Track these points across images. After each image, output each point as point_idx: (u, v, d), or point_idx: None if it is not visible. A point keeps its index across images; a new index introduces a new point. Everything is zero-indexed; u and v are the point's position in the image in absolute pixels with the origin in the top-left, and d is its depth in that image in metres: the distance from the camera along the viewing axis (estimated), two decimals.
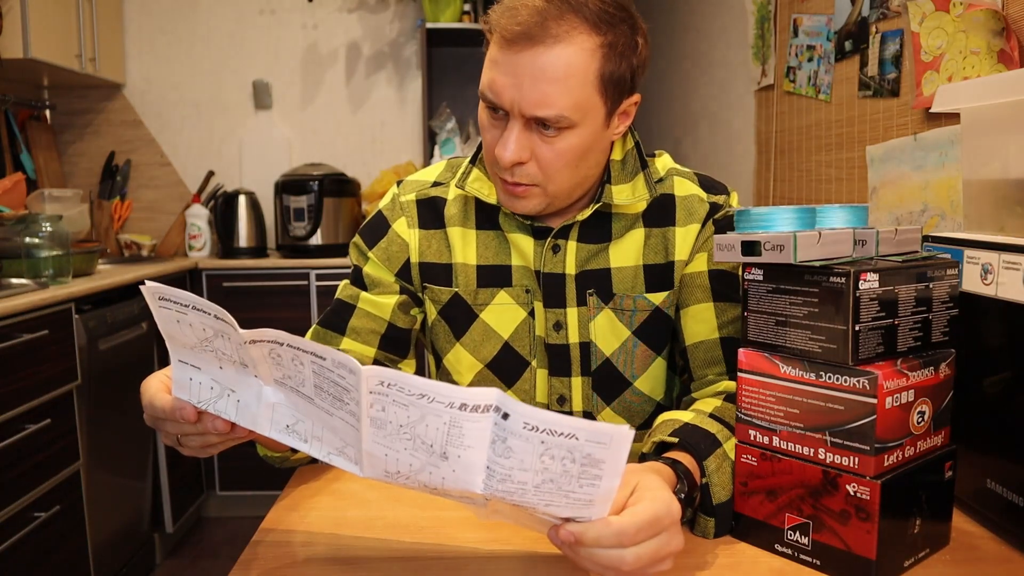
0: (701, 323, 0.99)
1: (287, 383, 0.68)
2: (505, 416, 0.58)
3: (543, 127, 0.88)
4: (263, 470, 1.34)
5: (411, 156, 3.54)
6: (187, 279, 2.95)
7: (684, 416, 0.85)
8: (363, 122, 3.53)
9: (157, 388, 0.76)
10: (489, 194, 1.00)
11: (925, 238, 0.90)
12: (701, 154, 2.98)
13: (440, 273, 1.04)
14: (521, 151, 0.89)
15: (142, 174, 3.44)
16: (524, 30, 0.85)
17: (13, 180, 2.60)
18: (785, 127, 2.20)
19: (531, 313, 1.02)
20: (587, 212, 0.98)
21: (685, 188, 1.02)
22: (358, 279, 1.06)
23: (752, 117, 2.46)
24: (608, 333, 1.01)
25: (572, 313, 1.01)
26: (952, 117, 1.40)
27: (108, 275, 2.44)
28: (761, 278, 0.75)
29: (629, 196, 0.99)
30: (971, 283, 0.82)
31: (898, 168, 1.58)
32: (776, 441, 0.75)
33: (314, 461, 0.98)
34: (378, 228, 1.06)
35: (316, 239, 3.10)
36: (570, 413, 1.04)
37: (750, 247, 0.74)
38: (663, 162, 1.05)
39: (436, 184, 1.07)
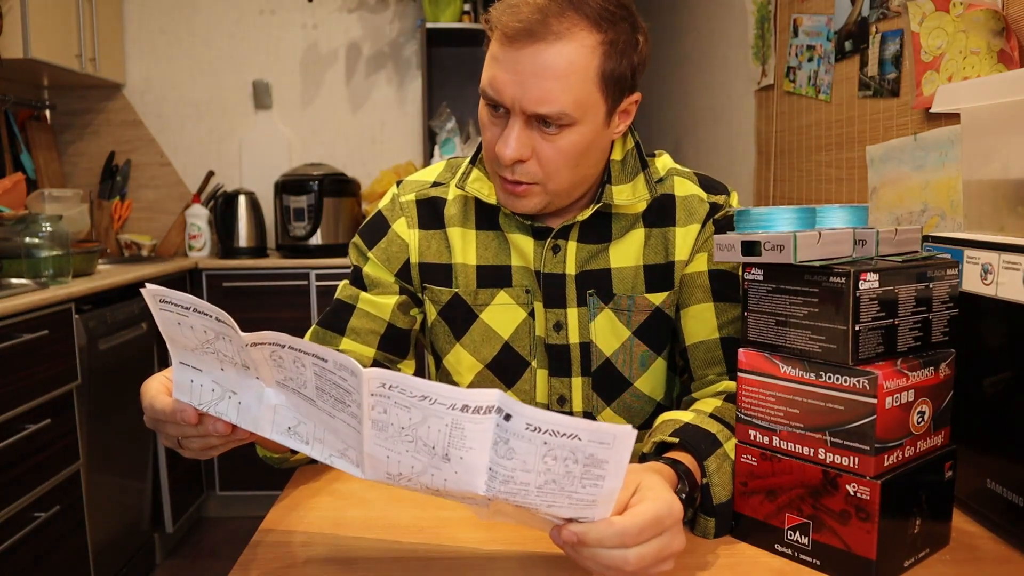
0: (701, 323, 0.99)
1: (289, 385, 0.67)
2: (507, 417, 0.58)
3: (544, 124, 0.88)
4: (263, 470, 1.34)
5: (411, 156, 3.54)
6: (187, 279, 2.95)
7: (684, 416, 0.85)
8: (363, 122, 3.53)
9: (157, 390, 0.76)
10: (489, 194, 1.00)
11: (925, 238, 0.89)
12: (701, 154, 2.98)
13: (440, 273, 1.04)
14: (522, 148, 0.89)
15: (142, 174, 3.44)
16: (526, 27, 0.85)
17: (13, 180, 2.60)
18: (785, 127, 2.20)
19: (531, 313, 1.02)
20: (587, 212, 0.97)
21: (685, 188, 1.02)
22: (358, 279, 1.06)
23: (752, 117, 2.46)
24: (608, 333, 1.01)
25: (572, 313, 1.01)
26: (952, 117, 1.40)
27: (108, 275, 2.44)
28: (761, 278, 0.75)
29: (629, 196, 0.99)
30: (971, 283, 0.82)
31: (898, 168, 1.58)
32: (776, 441, 0.75)
33: (313, 462, 0.98)
34: (378, 228, 1.06)
35: (316, 239, 3.10)
36: (570, 413, 1.04)
37: (750, 247, 0.74)
38: (663, 162, 1.05)
39: (436, 184, 1.07)
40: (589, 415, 1.04)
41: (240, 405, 0.71)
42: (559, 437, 0.58)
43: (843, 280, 0.68)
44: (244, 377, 0.70)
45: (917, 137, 1.51)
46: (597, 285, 1.01)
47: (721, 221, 1.01)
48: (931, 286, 0.73)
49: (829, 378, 0.70)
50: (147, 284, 0.70)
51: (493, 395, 0.57)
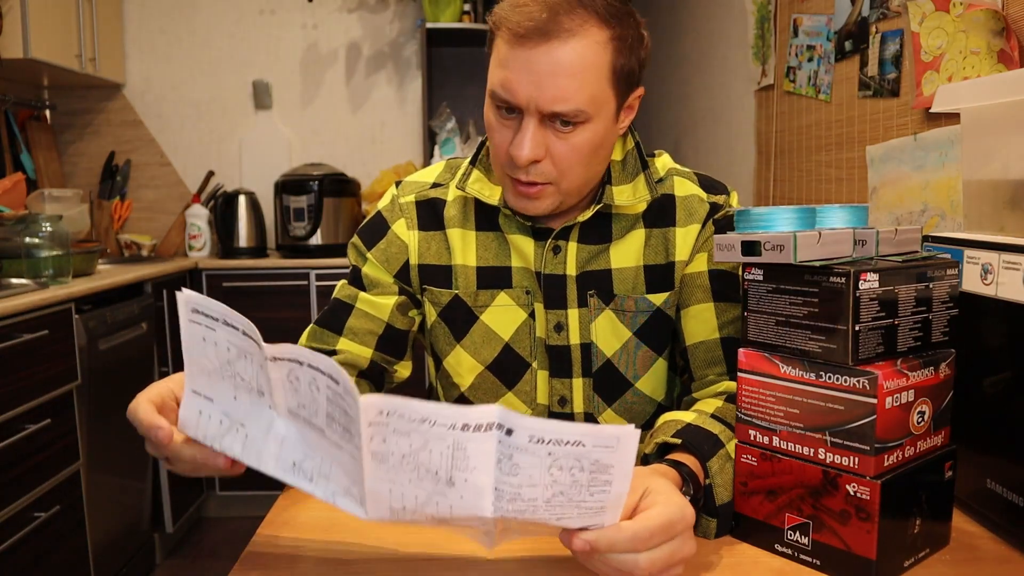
0: (701, 323, 0.99)
1: (300, 413, 0.66)
2: (509, 432, 0.57)
3: (559, 123, 0.88)
4: None
5: (411, 156, 3.54)
6: (187, 279, 2.95)
7: (686, 417, 0.85)
8: (363, 122, 3.53)
9: (146, 396, 0.74)
10: (489, 195, 1.00)
11: (925, 238, 0.89)
12: (701, 154, 2.98)
13: (440, 275, 1.04)
14: (537, 149, 0.89)
15: (142, 174, 3.44)
16: (537, 25, 0.84)
17: (13, 180, 2.60)
18: (785, 127, 2.20)
19: (531, 314, 1.02)
20: (588, 213, 0.97)
21: (685, 188, 1.02)
22: (356, 279, 1.06)
23: (752, 117, 2.46)
24: (609, 334, 1.01)
25: (573, 314, 1.01)
26: (952, 117, 1.40)
27: (108, 275, 2.44)
28: (761, 278, 0.75)
29: (630, 197, 0.99)
30: (971, 283, 0.82)
31: (898, 168, 1.58)
32: (776, 441, 0.75)
33: None
34: (377, 229, 1.06)
35: (316, 239, 3.10)
36: (571, 414, 1.04)
37: (750, 247, 0.74)
38: (663, 162, 1.05)
39: (435, 185, 1.07)
40: (590, 416, 1.04)
41: (247, 439, 0.69)
42: (563, 446, 0.57)
43: (843, 280, 0.68)
44: (256, 406, 0.68)
45: (917, 137, 1.51)
46: (598, 286, 1.01)
47: (721, 221, 1.00)
48: (931, 286, 0.73)
49: (829, 378, 0.70)
50: (183, 289, 0.69)
51: (493, 411, 0.56)
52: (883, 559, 0.69)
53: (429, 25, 3.14)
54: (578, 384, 1.03)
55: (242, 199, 3.18)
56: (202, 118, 3.45)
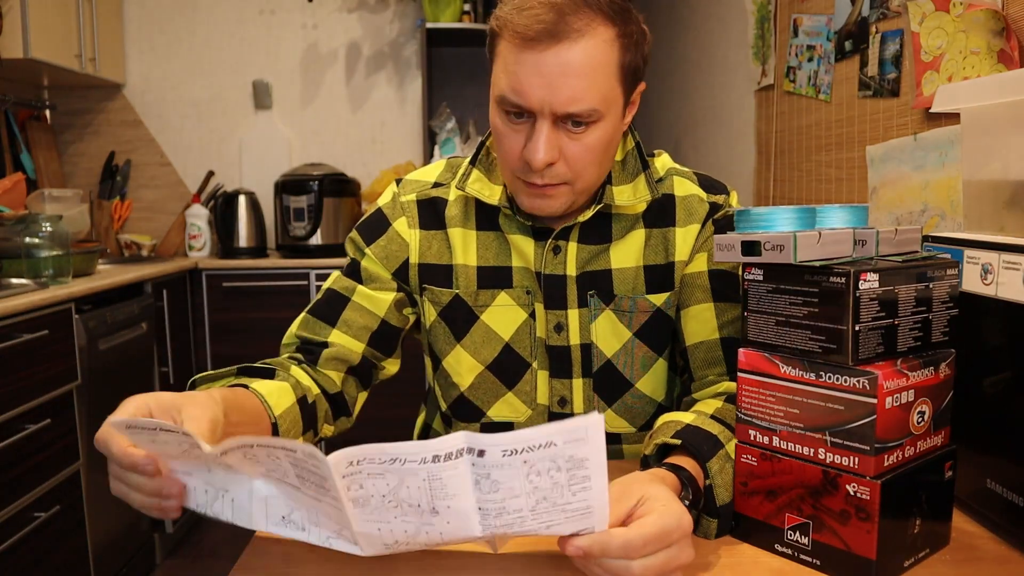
0: (701, 323, 0.98)
1: (272, 475, 0.67)
2: (480, 454, 0.58)
3: (570, 124, 0.88)
4: None
5: (411, 156, 3.54)
6: (187, 279, 2.95)
7: (685, 417, 0.85)
8: (363, 122, 3.53)
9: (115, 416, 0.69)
10: (489, 195, 1.00)
11: (925, 238, 0.89)
12: (701, 154, 2.98)
13: (440, 274, 1.04)
14: (552, 151, 0.88)
15: (142, 174, 3.44)
16: (545, 27, 0.84)
17: (13, 180, 2.60)
18: (785, 127, 2.20)
19: (532, 315, 1.02)
20: (589, 213, 0.97)
21: (685, 188, 1.02)
22: (354, 272, 1.05)
23: (752, 117, 2.46)
24: (609, 334, 1.01)
25: (573, 314, 1.01)
26: (952, 117, 1.40)
27: (108, 275, 2.44)
28: (761, 278, 0.75)
29: (630, 197, 0.99)
30: (971, 283, 0.82)
31: (898, 168, 1.58)
32: (776, 441, 0.75)
33: None
34: (377, 226, 1.06)
35: (316, 239, 3.10)
36: (571, 415, 1.04)
37: (750, 247, 0.74)
38: (662, 162, 1.05)
39: (437, 185, 1.07)
40: None
41: (234, 503, 0.70)
42: (536, 451, 0.58)
43: (843, 280, 0.68)
44: (231, 473, 0.69)
45: (917, 137, 1.51)
46: (598, 286, 1.01)
47: (721, 221, 1.00)
48: (931, 286, 0.73)
49: (829, 378, 0.70)
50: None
51: (459, 438, 0.57)
52: (883, 559, 0.69)
53: (429, 25, 3.14)
54: (578, 384, 1.03)
55: (242, 199, 3.18)
56: (202, 118, 3.45)
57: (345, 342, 1.02)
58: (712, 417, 0.85)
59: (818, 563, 0.72)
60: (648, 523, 0.63)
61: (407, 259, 1.05)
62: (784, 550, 0.75)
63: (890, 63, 1.62)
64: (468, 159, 1.05)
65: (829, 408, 0.70)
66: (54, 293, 2.01)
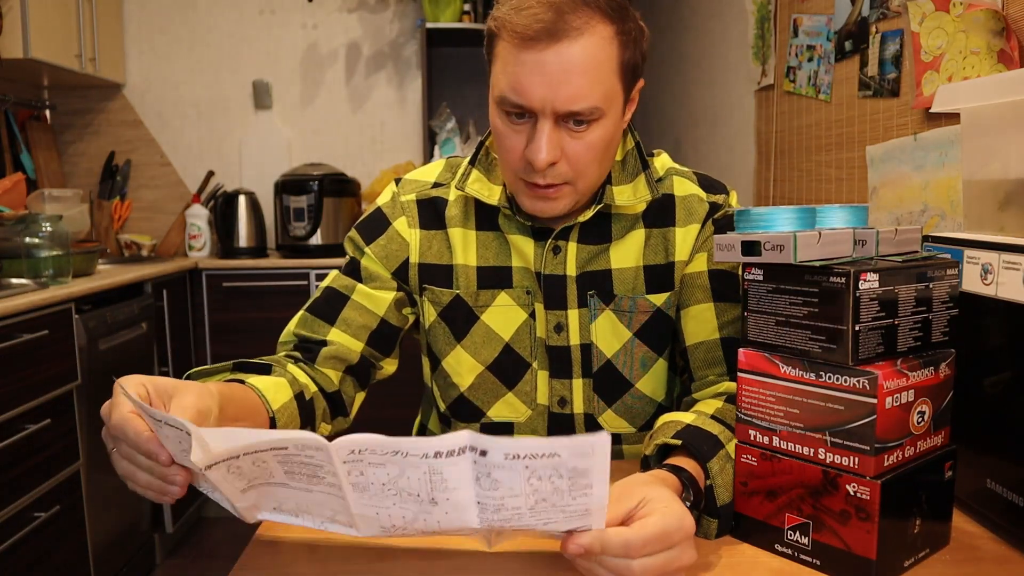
0: (701, 323, 0.98)
1: (256, 484, 0.67)
2: (483, 453, 0.58)
3: (572, 123, 0.88)
4: None
5: (411, 156, 3.54)
6: (187, 279, 2.95)
7: (686, 418, 0.85)
8: (363, 122, 3.53)
9: (124, 398, 0.69)
10: (489, 195, 1.00)
11: (925, 238, 0.89)
12: (701, 154, 2.98)
13: (440, 274, 1.04)
14: (555, 150, 0.88)
15: (142, 174, 3.44)
16: (545, 27, 0.84)
17: (13, 180, 2.60)
18: (785, 127, 2.20)
19: (532, 315, 1.02)
20: (589, 213, 0.97)
21: (684, 188, 1.02)
22: (354, 270, 1.05)
23: (752, 117, 2.46)
24: (609, 334, 1.01)
25: (573, 315, 1.01)
26: (952, 117, 1.40)
27: (108, 275, 2.44)
28: (761, 278, 0.75)
29: (630, 197, 0.99)
30: (971, 283, 0.82)
31: (898, 168, 1.58)
32: (776, 441, 0.75)
33: None
34: (377, 225, 1.06)
35: (316, 239, 3.10)
36: (571, 415, 1.04)
37: (750, 247, 0.74)
38: (661, 161, 1.05)
39: (437, 185, 1.07)
40: (590, 417, 1.03)
41: (225, 500, 0.71)
42: (539, 459, 0.58)
43: (843, 280, 0.68)
44: (213, 489, 0.70)
45: (917, 137, 1.51)
46: (598, 286, 1.01)
47: (721, 221, 1.00)
48: (931, 286, 0.73)
49: (829, 378, 0.70)
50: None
51: (463, 436, 0.57)
52: (883, 559, 0.69)
53: (429, 25, 3.14)
54: (578, 384, 1.03)
55: (242, 199, 3.18)
56: (202, 118, 3.45)
57: (344, 341, 1.01)
58: (712, 417, 0.85)
59: (818, 563, 0.72)
60: (649, 523, 0.63)
61: (407, 259, 1.04)
62: (784, 550, 0.75)
63: (890, 63, 1.62)
64: (467, 159, 1.05)
65: (829, 408, 0.70)
66: (54, 293, 2.01)
